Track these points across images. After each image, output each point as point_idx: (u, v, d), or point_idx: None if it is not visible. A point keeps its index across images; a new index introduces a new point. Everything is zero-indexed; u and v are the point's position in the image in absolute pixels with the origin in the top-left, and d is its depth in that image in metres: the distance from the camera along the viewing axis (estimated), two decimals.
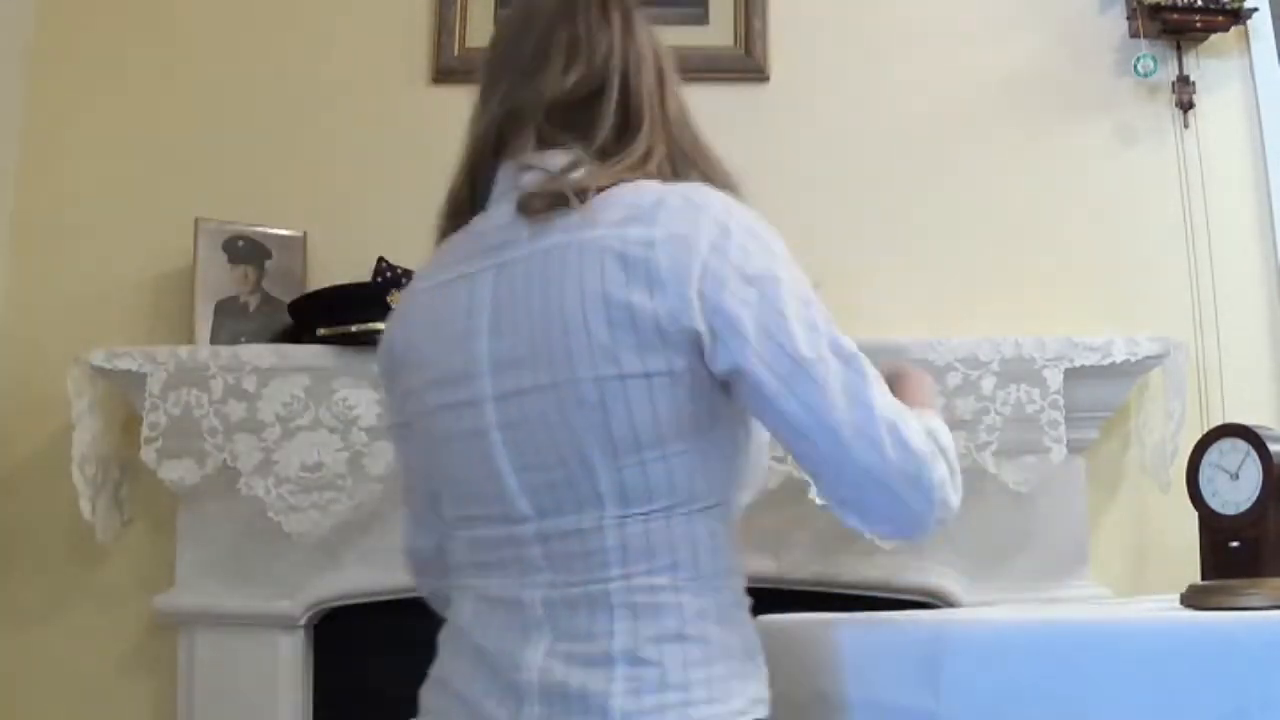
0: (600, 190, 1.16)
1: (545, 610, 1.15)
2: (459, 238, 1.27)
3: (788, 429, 1.12)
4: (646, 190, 1.17)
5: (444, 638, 1.27)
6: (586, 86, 1.22)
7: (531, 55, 1.23)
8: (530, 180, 1.19)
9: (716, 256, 1.13)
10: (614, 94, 1.22)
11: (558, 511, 1.15)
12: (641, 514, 1.13)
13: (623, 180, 1.18)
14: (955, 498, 1.13)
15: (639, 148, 1.21)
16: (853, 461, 1.09)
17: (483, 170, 1.25)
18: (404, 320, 1.29)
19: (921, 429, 1.12)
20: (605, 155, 1.20)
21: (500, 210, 1.21)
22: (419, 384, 1.23)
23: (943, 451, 1.13)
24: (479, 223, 1.24)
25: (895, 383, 1.20)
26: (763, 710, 1.14)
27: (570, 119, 1.21)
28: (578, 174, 1.17)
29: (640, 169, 1.20)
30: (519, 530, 1.17)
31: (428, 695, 1.27)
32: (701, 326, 1.11)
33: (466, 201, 1.27)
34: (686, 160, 1.28)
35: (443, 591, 1.32)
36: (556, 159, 1.19)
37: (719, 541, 1.17)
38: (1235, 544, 1.41)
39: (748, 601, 1.21)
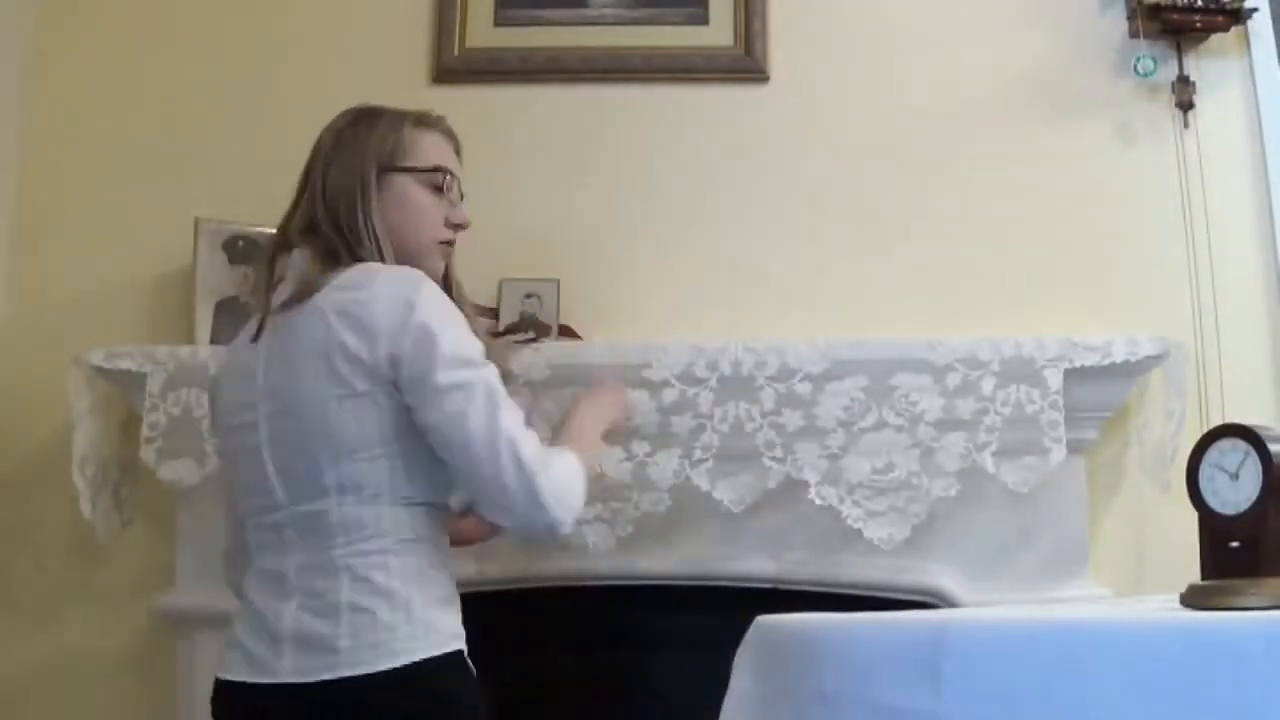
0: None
1: (296, 578, 1.55)
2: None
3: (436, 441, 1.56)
4: (359, 271, 1.61)
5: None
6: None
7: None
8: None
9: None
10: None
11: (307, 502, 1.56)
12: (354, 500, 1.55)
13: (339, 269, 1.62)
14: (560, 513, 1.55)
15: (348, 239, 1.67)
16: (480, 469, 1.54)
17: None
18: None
19: (537, 449, 1.55)
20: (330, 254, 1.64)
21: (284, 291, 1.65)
22: (220, 415, 1.70)
23: (546, 469, 1.54)
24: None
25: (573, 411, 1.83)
26: (459, 643, 1.59)
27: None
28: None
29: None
30: (277, 517, 1.58)
31: (225, 650, 1.63)
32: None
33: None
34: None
35: (238, 581, 1.70)
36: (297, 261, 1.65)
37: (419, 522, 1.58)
38: (1235, 544, 1.41)
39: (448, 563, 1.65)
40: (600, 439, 1.83)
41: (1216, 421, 2.41)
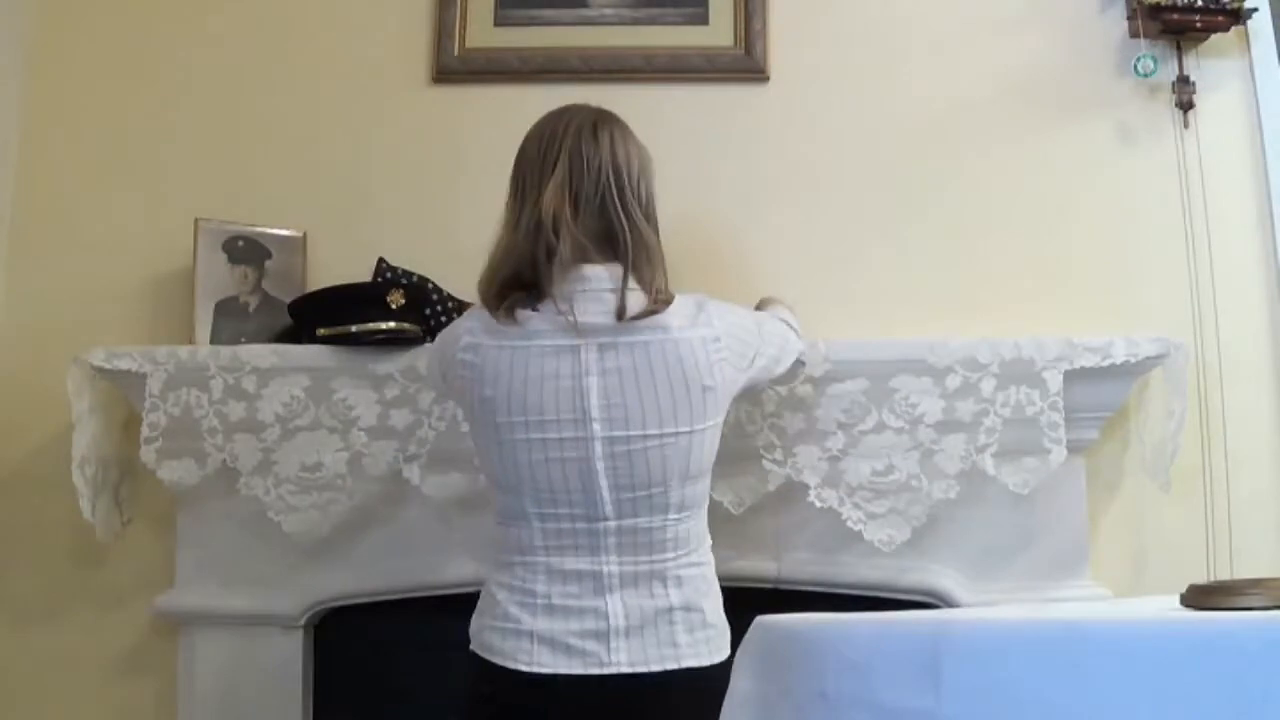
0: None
1: (619, 579, 1.66)
2: (535, 316, 1.67)
3: None
4: (686, 301, 1.72)
5: (509, 598, 1.68)
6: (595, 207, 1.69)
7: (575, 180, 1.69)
8: (590, 286, 1.66)
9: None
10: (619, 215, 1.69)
11: (634, 515, 1.66)
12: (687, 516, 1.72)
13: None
14: None
15: (659, 268, 1.71)
16: None
17: (533, 268, 1.66)
18: (491, 365, 1.67)
19: None
20: (636, 270, 1.68)
21: (586, 307, 1.65)
22: (510, 420, 1.65)
23: None
24: (561, 307, 1.65)
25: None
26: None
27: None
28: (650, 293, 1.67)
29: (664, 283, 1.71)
30: (599, 526, 1.66)
31: (495, 639, 1.67)
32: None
33: (517, 287, 1.67)
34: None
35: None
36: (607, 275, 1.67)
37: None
38: None
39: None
40: None
41: (1216, 421, 2.41)
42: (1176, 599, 1.34)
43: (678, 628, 1.67)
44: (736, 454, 2.21)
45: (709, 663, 1.68)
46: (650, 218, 1.74)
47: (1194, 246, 2.47)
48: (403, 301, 2.22)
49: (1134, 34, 2.48)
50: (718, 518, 2.23)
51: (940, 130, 2.51)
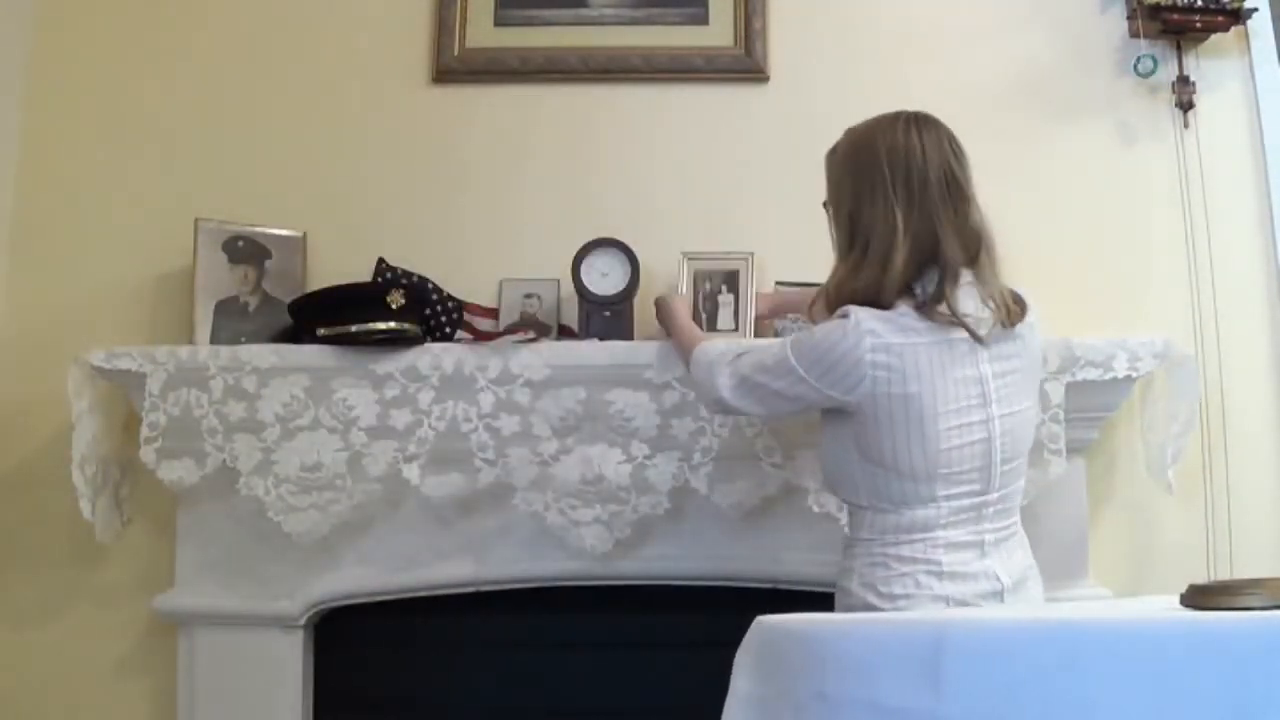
0: None
1: (994, 544, 1.81)
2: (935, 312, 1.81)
3: None
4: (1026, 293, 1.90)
5: (917, 569, 1.78)
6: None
7: (952, 186, 1.85)
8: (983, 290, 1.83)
9: None
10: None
11: (1007, 485, 1.82)
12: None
13: None
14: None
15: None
16: None
17: (920, 270, 1.81)
18: (910, 363, 1.78)
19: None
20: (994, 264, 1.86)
21: (970, 305, 1.80)
22: (935, 411, 1.77)
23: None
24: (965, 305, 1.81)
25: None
26: None
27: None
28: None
29: None
30: (985, 499, 1.79)
31: (916, 606, 1.75)
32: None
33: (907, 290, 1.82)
34: None
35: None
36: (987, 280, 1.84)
37: None
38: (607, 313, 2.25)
39: None
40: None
41: (1215, 421, 2.41)
42: (1176, 599, 1.34)
43: (1031, 584, 1.85)
44: (736, 456, 2.21)
45: None
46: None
47: (1194, 246, 2.47)
48: (403, 301, 2.22)
49: (1134, 34, 2.48)
50: (716, 517, 2.24)
51: None
